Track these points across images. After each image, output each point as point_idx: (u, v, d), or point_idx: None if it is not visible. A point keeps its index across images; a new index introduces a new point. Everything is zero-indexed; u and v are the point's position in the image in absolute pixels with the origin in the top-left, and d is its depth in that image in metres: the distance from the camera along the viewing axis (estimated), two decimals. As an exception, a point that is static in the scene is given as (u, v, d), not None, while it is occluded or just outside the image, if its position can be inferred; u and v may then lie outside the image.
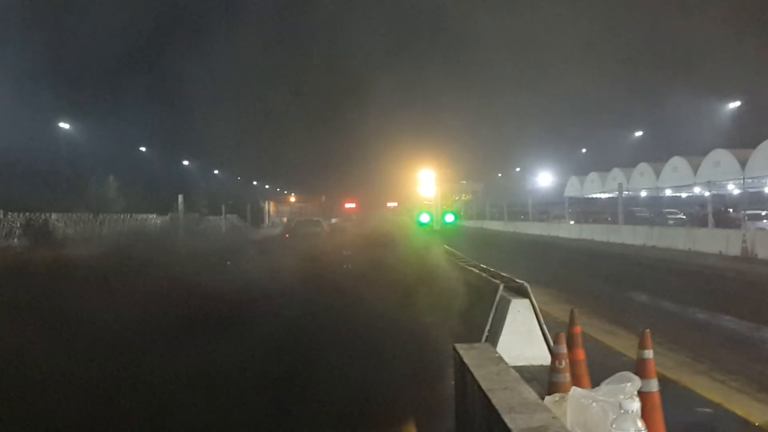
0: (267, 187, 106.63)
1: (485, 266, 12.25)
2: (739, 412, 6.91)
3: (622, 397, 3.87)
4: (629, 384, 4.13)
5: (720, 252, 26.85)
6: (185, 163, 74.42)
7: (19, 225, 29.17)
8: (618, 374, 4.36)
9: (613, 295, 16.60)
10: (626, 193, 46.12)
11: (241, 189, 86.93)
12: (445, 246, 17.65)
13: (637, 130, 58.29)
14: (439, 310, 9.45)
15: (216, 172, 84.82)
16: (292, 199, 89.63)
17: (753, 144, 31.92)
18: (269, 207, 74.86)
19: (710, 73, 43.00)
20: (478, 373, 4.14)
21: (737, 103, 44.07)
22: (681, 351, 9.64)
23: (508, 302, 9.00)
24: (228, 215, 63.10)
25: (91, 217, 39.44)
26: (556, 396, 4.72)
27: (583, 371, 6.60)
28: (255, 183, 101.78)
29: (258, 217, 64.93)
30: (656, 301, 15.30)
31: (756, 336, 11.27)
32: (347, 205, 62.08)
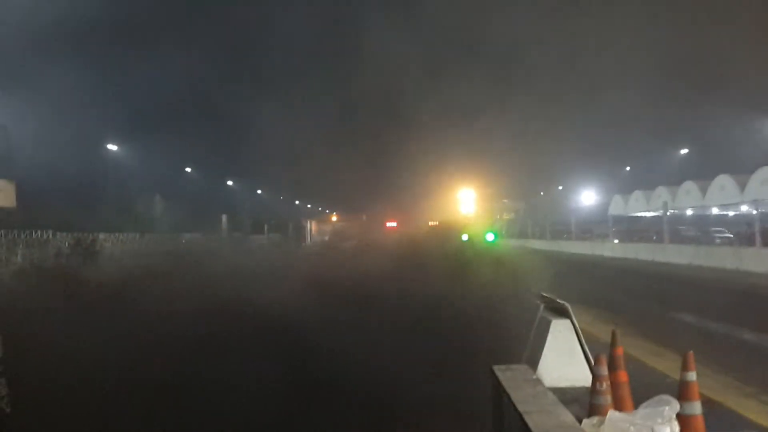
0: (309, 206, 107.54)
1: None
2: (787, 436, 6.76)
3: (659, 421, 3.82)
4: (667, 408, 4.07)
5: (770, 272, 26.22)
6: (229, 183, 75.56)
7: (67, 245, 29.84)
8: (656, 397, 4.30)
9: (659, 315, 16.32)
10: (672, 211, 45.33)
11: (284, 208, 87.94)
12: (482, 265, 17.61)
13: (683, 147, 57.39)
14: None
15: (259, 191, 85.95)
16: (334, 218, 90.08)
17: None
18: (311, 226, 75.40)
19: (757, 89, 42.16)
20: (514, 395, 4.13)
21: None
22: (728, 373, 9.44)
23: (549, 322, 8.90)
24: (271, 234, 63.75)
25: (137, 236, 40.19)
26: (594, 419, 4.67)
27: (626, 393, 6.49)
28: (297, 202, 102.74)
29: (300, 235, 65.47)
30: (703, 321, 15.00)
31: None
32: (388, 224, 62.11)
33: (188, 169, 64.64)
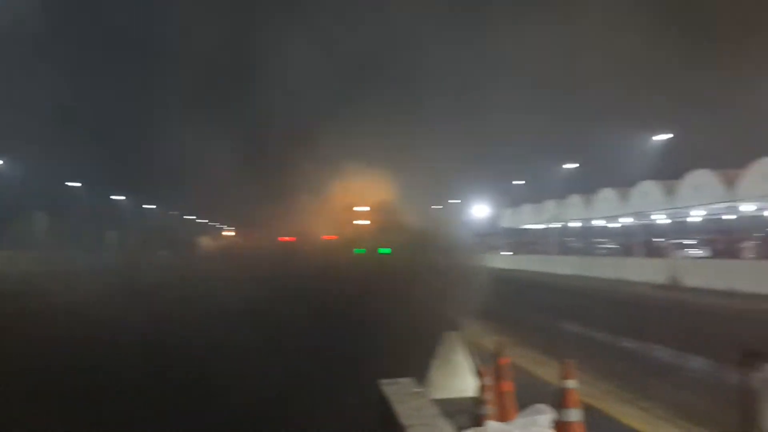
0: (202, 221, 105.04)
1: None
2: (662, 439, 7.03)
3: (535, 430, 3.88)
4: (542, 416, 4.14)
5: (648, 280, 27.47)
6: (117, 198, 72.92)
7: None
8: (532, 406, 4.36)
9: (546, 325, 16.78)
10: (559, 224, 47.00)
11: (174, 223, 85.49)
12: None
13: (570, 162, 59.66)
14: None
15: (148, 206, 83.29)
16: (227, 233, 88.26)
17: (680, 175, 32.81)
18: (203, 241, 73.58)
19: (642, 106, 44.42)
20: (398, 409, 4.10)
21: (668, 135, 45.13)
22: (608, 379, 9.76)
23: (439, 334, 8.98)
24: (162, 251, 61.78)
25: (17, 254, 38.06)
26: (472, 430, 4.70)
27: (510, 403, 6.57)
28: (193, 217, 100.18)
29: (191, 251, 63.75)
30: (587, 330, 15.55)
31: (679, 363, 11.56)
32: (283, 239, 61.36)
33: (74, 183, 61.92)
